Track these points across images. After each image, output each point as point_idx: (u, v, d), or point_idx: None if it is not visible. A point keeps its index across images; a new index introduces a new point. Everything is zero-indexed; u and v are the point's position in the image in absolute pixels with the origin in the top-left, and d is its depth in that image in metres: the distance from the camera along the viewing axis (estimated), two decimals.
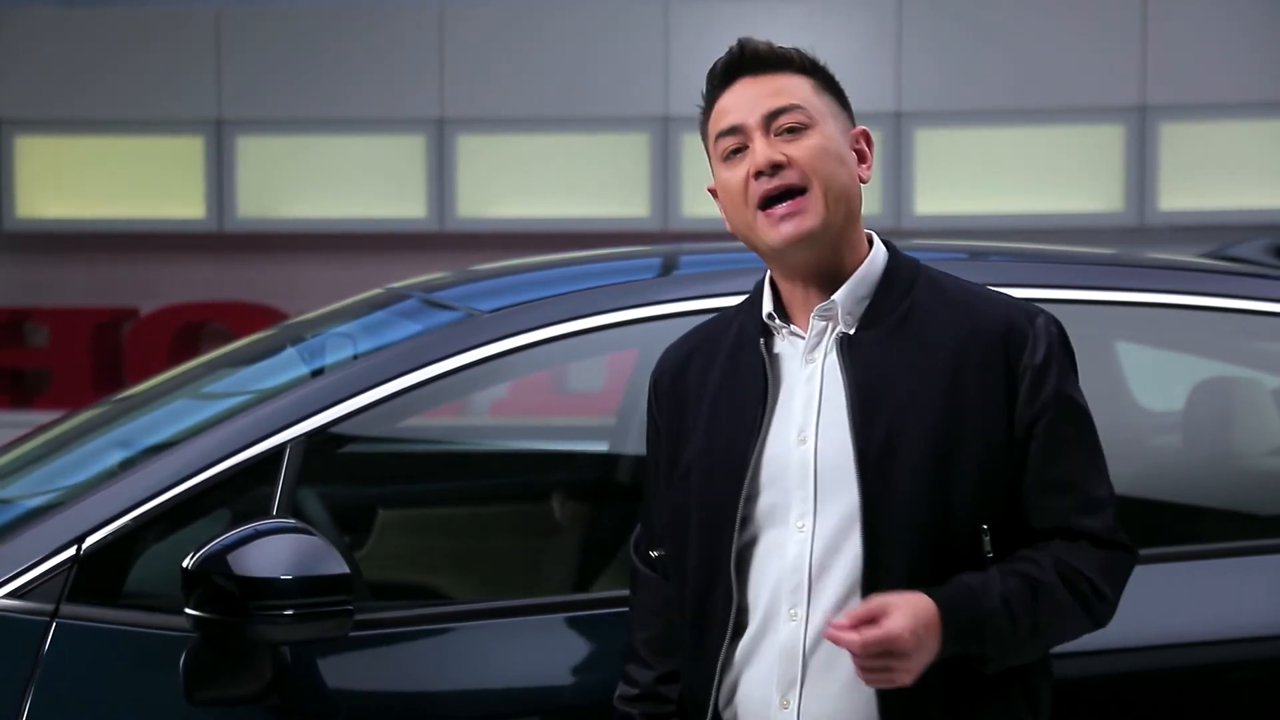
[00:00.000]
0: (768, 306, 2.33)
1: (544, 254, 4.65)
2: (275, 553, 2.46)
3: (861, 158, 2.32)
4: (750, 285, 2.44)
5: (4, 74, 9.30)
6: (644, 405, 2.51)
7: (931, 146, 8.57)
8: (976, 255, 3.55)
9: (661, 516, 2.40)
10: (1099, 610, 2.28)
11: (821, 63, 2.34)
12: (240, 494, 2.76)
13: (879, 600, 2.13)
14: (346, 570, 2.49)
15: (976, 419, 2.24)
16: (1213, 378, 3.60)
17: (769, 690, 2.26)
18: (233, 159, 9.19)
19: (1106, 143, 8.76)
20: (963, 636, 2.16)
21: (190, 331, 9.31)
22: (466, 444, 4.80)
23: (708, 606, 2.29)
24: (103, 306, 9.40)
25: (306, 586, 2.46)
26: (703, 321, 2.47)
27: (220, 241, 9.35)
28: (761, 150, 2.25)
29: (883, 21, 8.58)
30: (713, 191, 2.39)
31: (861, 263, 2.31)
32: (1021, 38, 8.74)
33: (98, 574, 2.67)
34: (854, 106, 2.38)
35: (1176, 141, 8.71)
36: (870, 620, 2.11)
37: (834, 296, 2.28)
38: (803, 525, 2.24)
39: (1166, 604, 2.84)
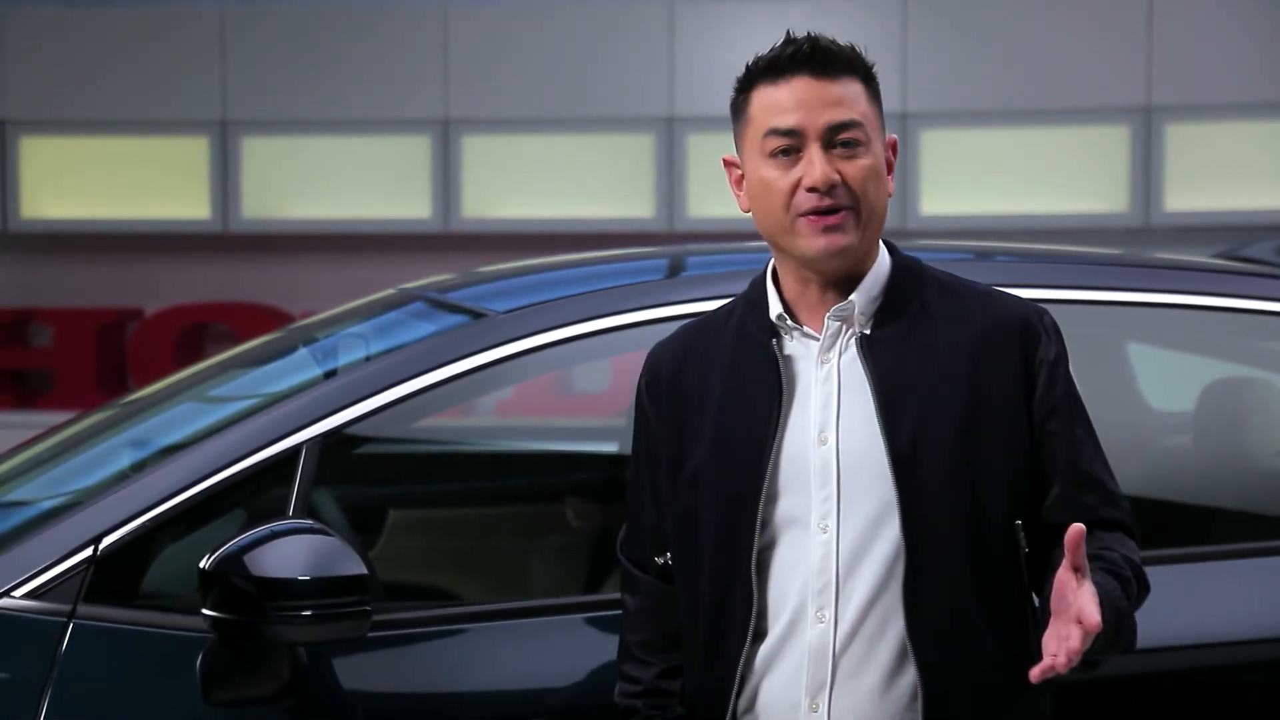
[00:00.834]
0: (777, 308, 2.31)
1: (549, 254, 4.65)
2: (292, 553, 2.47)
3: (889, 168, 2.31)
4: None
5: (8, 74, 9.30)
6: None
7: (936, 147, 8.56)
8: (982, 256, 3.55)
9: (664, 520, 2.37)
10: (1144, 597, 2.28)
11: (873, 66, 2.31)
12: (256, 495, 2.76)
13: (1075, 606, 2.07)
14: (364, 571, 2.49)
15: (998, 413, 2.25)
16: (1223, 378, 3.60)
17: (796, 693, 2.25)
18: (237, 159, 9.19)
19: (1111, 143, 8.75)
20: (1108, 635, 2.12)
21: (194, 332, 9.30)
22: (482, 445, 4.79)
23: (725, 610, 2.27)
24: (107, 307, 9.40)
25: (324, 587, 2.46)
26: (690, 321, 2.45)
27: (225, 242, 9.35)
28: (820, 167, 2.22)
29: (887, 23, 8.58)
30: (730, 164, 2.36)
31: (872, 266, 2.31)
32: (1026, 39, 8.74)
33: (114, 575, 2.67)
34: None
35: (1182, 142, 8.70)
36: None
37: (852, 297, 2.28)
38: (825, 526, 2.23)
39: (1177, 605, 2.83)
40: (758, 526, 2.25)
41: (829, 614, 2.23)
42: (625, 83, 8.97)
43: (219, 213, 9.21)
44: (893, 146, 2.33)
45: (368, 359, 3.05)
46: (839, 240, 2.23)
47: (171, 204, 9.29)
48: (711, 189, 8.92)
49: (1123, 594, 2.18)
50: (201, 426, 2.99)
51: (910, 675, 2.23)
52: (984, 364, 2.25)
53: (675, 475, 2.34)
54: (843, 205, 2.23)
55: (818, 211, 2.22)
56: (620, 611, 2.47)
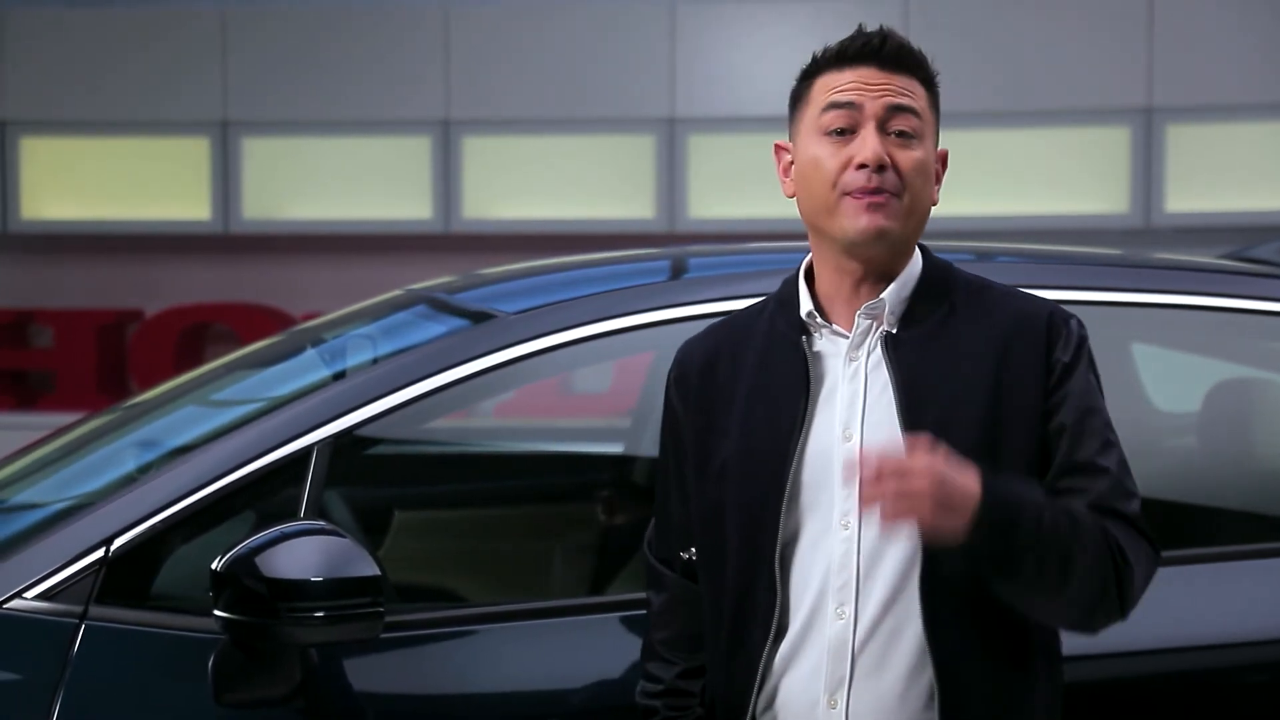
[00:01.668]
0: (807, 305, 2.32)
1: (551, 255, 4.65)
2: (305, 555, 2.47)
3: (937, 178, 2.33)
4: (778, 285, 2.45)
5: (8, 75, 9.28)
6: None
7: None
8: (983, 256, 3.55)
9: (691, 516, 2.39)
10: (1126, 584, 2.23)
11: (937, 75, 2.34)
12: (267, 496, 2.76)
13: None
14: (377, 572, 2.49)
15: (1019, 415, 2.26)
16: (1229, 379, 3.60)
17: (815, 690, 2.26)
18: (238, 160, 9.18)
19: (1112, 144, 8.75)
20: (995, 515, 2.10)
21: (195, 333, 9.30)
22: (496, 446, 4.79)
23: (748, 605, 2.29)
24: (107, 308, 9.39)
25: (337, 589, 2.46)
26: (721, 319, 2.46)
27: (225, 243, 9.34)
28: (873, 145, 2.24)
29: (887, 24, 8.55)
30: (780, 149, 2.38)
31: (906, 266, 2.33)
32: (1027, 41, 8.74)
33: (126, 576, 2.67)
34: None
35: (1183, 143, 8.71)
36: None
37: (883, 295, 2.29)
38: (847, 523, 2.25)
39: (1183, 607, 2.84)
40: (782, 521, 2.26)
41: (849, 610, 2.24)
42: (626, 84, 8.98)
43: (219, 213, 9.21)
44: (943, 159, 2.35)
45: (378, 360, 3.05)
46: (881, 221, 2.24)
47: (172, 205, 9.28)
48: (712, 190, 8.92)
49: (1060, 513, 2.15)
50: (212, 428, 2.99)
51: (928, 673, 2.24)
52: (1006, 364, 2.27)
53: (702, 470, 2.35)
54: (888, 189, 2.25)
55: (864, 191, 2.24)
56: (634, 612, 2.47)
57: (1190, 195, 8.71)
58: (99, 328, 9.27)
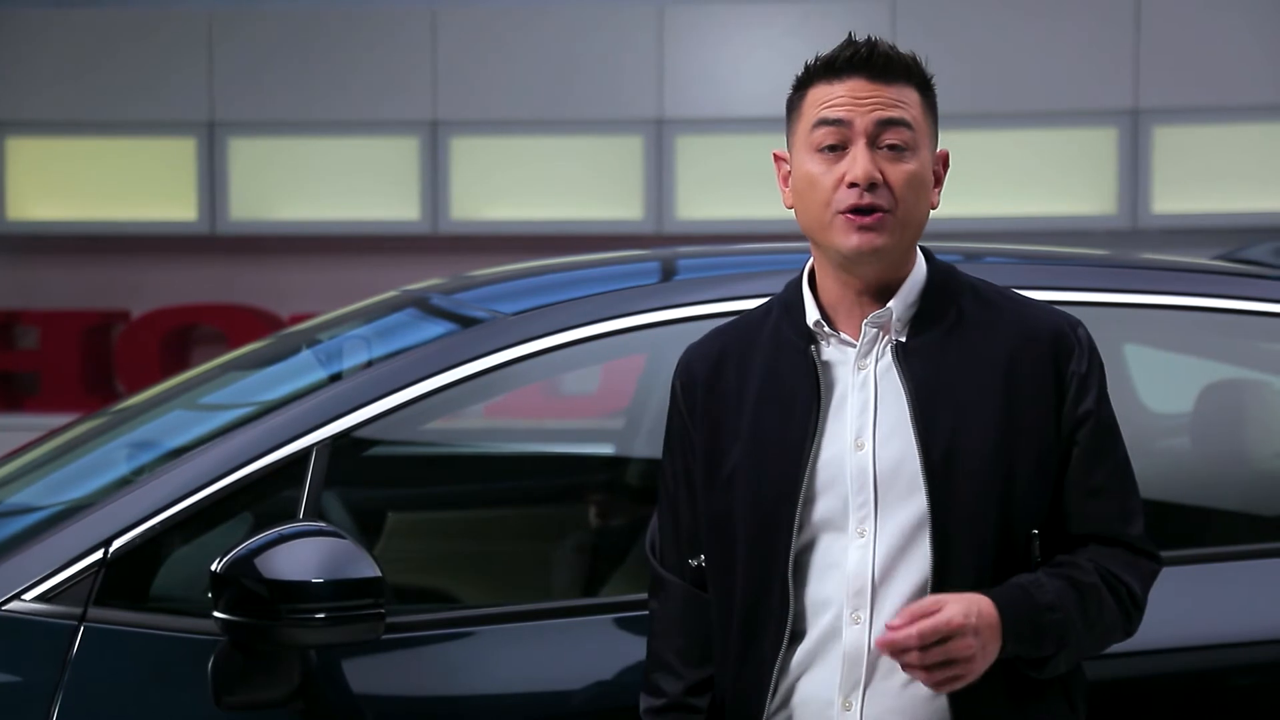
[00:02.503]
0: (814, 314, 2.33)
1: (539, 256, 4.64)
2: (305, 556, 2.46)
3: (937, 180, 2.33)
4: (780, 285, 2.45)
5: None
6: (657, 406, 2.48)
7: None
8: (972, 257, 3.56)
9: (697, 522, 2.39)
10: (1134, 616, 2.32)
11: (931, 77, 2.33)
12: (266, 497, 2.76)
13: (932, 597, 2.15)
14: (378, 573, 2.49)
15: (1030, 424, 2.27)
16: (1222, 380, 3.61)
17: (830, 693, 2.27)
18: (224, 161, 9.16)
19: (1099, 146, 8.78)
20: (1021, 633, 2.18)
21: (181, 334, 9.28)
22: (494, 448, 4.79)
23: (760, 613, 2.29)
24: (93, 309, 9.36)
25: (338, 590, 2.46)
26: (724, 324, 2.46)
27: (212, 244, 9.32)
28: (863, 163, 2.24)
29: (876, 27, 8.56)
30: (779, 158, 2.38)
31: (910, 273, 2.33)
32: (1014, 42, 8.76)
33: (125, 577, 2.67)
34: None
35: (1169, 145, 8.73)
36: (925, 615, 2.12)
37: (890, 304, 2.29)
38: (863, 531, 2.26)
39: (1174, 608, 2.84)
40: (795, 530, 2.27)
41: (864, 616, 2.25)
42: (614, 85, 8.98)
43: (206, 214, 9.19)
44: (944, 160, 2.35)
45: (375, 362, 3.05)
46: (873, 240, 2.24)
47: (158, 205, 9.26)
48: (700, 191, 8.92)
49: (1073, 603, 2.22)
50: (210, 429, 2.98)
51: None
52: (1018, 376, 2.28)
53: (711, 477, 2.35)
54: (880, 207, 2.24)
55: (856, 210, 2.24)
56: (635, 613, 2.47)
57: (1177, 196, 8.73)
58: (84, 329, 9.24)
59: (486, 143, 9.04)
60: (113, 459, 3.19)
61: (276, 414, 2.82)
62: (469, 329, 3.01)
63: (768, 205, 8.51)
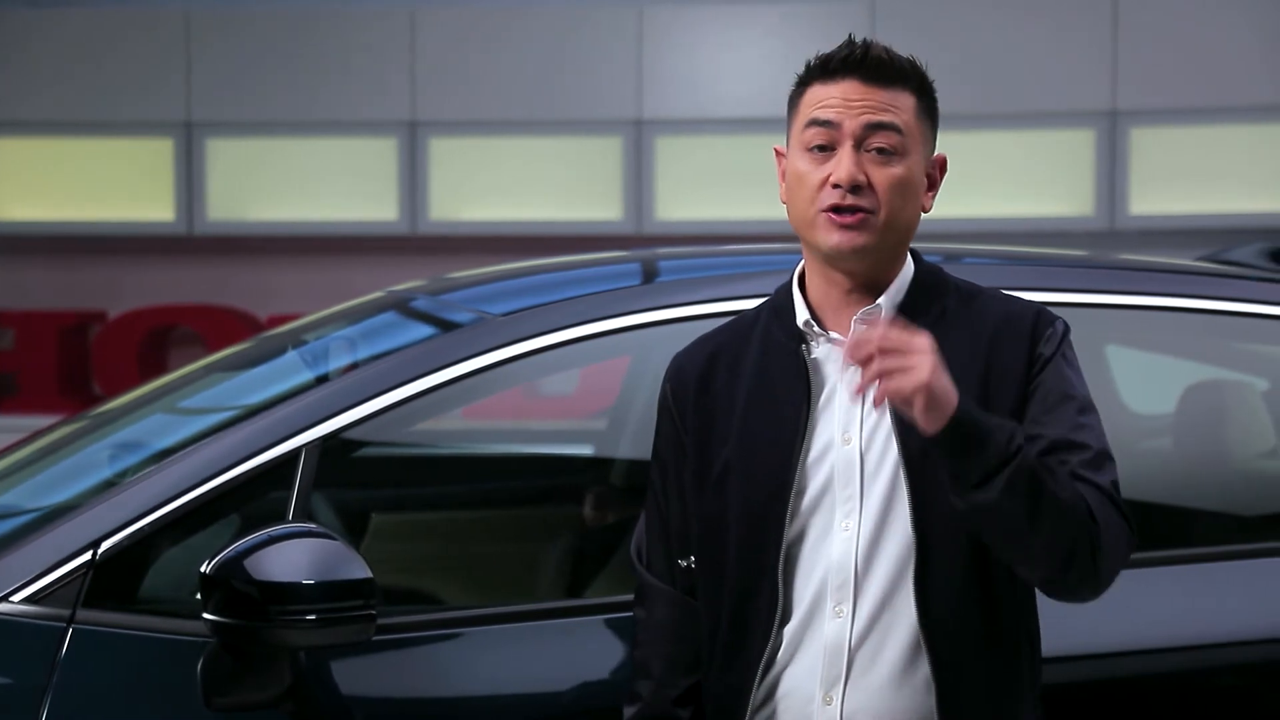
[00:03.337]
0: (803, 314, 2.35)
1: (518, 257, 4.64)
2: (296, 557, 2.45)
3: (931, 184, 2.34)
4: (765, 286, 2.46)
5: None
6: (642, 407, 2.48)
7: None
8: (951, 258, 3.56)
9: (687, 524, 2.40)
10: (1097, 540, 2.19)
11: (930, 80, 2.34)
12: (255, 499, 2.75)
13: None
14: (369, 575, 2.48)
15: (1006, 404, 2.28)
16: (1204, 380, 3.62)
17: (812, 686, 2.28)
18: (202, 161, 9.15)
19: (1077, 147, 8.81)
20: (970, 425, 2.11)
21: (159, 335, 9.25)
22: (486, 448, 4.78)
23: (749, 609, 2.31)
24: (70, 310, 9.34)
25: (328, 591, 2.45)
26: (714, 329, 2.48)
27: (189, 244, 9.30)
28: (847, 166, 2.26)
29: (855, 28, 8.52)
30: (779, 153, 2.39)
31: (898, 273, 2.35)
32: (992, 44, 8.79)
33: (113, 579, 2.65)
34: None
35: (1146, 146, 8.77)
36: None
37: (878, 301, 2.31)
38: (848, 525, 2.28)
39: (1159, 608, 2.85)
40: (786, 526, 2.29)
41: (846, 609, 2.27)
42: (593, 85, 8.98)
43: (184, 215, 9.17)
44: (940, 164, 2.36)
45: (365, 362, 3.04)
46: (853, 239, 2.26)
47: (135, 206, 9.24)
48: (679, 192, 8.93)
49: (1029, 447, 2.16)
50: (198, 430, 2.98)
51: (924, 669, 2.27)
52: (993, 365, 2.30)
53: (702, 479, 2.37)
54: (862, 208, 2.26)
55: (838, 209, 2.26)
56: (626, 614, 2.47)
57: (1154, 198, 8.77)
58: (61, 329, 9.22)
59: (465, 143, 9.04)
60: (101, 461, 3.18)
61: (265, 415, 2.81)
62: (458, 330, 3.01)
63: (747, 206, 8.53)
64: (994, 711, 2.29)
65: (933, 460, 2.22)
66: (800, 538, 2.30)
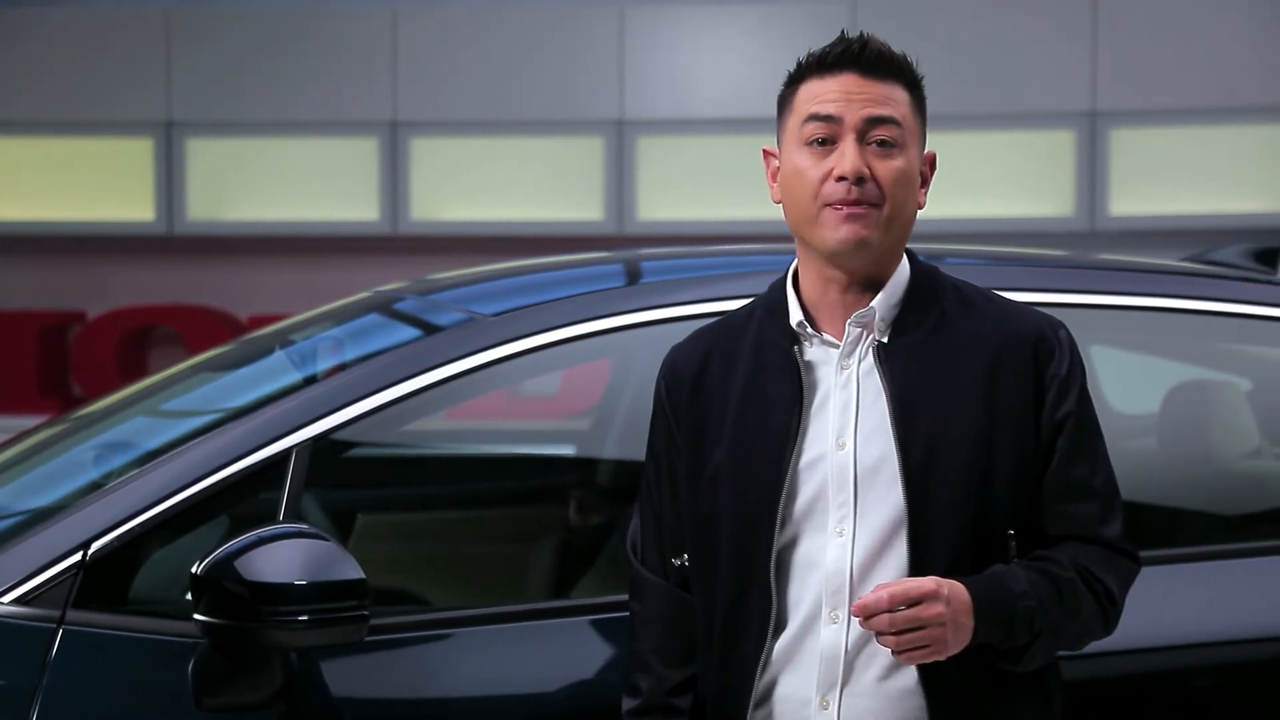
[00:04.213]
0: (797, 314, 2.34)
1: (499, 257, 4.63)
2: (288, 558, 2.45)
3: (924, 181, 2.34)
4: (756, 285, 2.46)
5: None
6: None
7: None
8: (933, 259, 3.56)
9: (680, 522, 2.40)
10: (1111, 614, 2.33)
11: (922, 78, 2.35)
12: (246, 499, 2.74)
13: (905, 579, 2.17)
14: (361, 575, 2.47)
15: (1010, 426, 2.28)
16: (1188, 381, 3.63)
17: (808, 691, 2.28)
18: (182, 161, 9.12)
19: (1057, 148, 8.84)
20: (993, 616, 2.19)
21: (138, 335, 9.23)
22: (472, 448, 4.78)
23: (742, 611, 2.30)
24: (49, 310, 9.31)
25: (321, 592, 2.44)
26: (707, 325, 2.47)
27: (169, 244, 9.28)
28: (851, 157, 2.25)
29: (834, 29, 8.56)
30: (768, 154, 2.39)
31: (893, 273, 2.34)
32: (973, 44, 8.81)
33: (103, 580, 2.64)
34: None
35: (1127, 147, 8.80)
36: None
37: (872, 303, 2.30)
38: (842, 530, 2.27)
39: (1143, 608, 2.84)
40: (777, 529, 2.28)
41: (842, 615, 2.27)
42: (575, 86, 8.98)
43: (164, 215, 9.15)
44: (930, 161, 2.36)
45: (356, 362, 3.03)
46: (860, 231, 2.25)
47: (116, 206, 9.22)
48: (661, 192, 8.94)
49: (1047, 592, 2.23)
50: (188, 431, 2.97)
51: (916, 674, 2.26)
52: (999, 379, 2.29)
53: (695, 478, 2.36)
54: (868, 201, 2.26)
55: (844, 203, 2.25)
56: (617, 614, 2.47)
57: (1134, 198, 8.80)
58: (41, 329, 9.19)
59: (447, 143, 9.03)
60: (90, 462, 3.16)
61: (255, 415, 2.80)
62: (450, 330, 3.00)
63: (729, 206, 8.54)
64: (987, 714, 2.29)
65: (934, 472, 2.24)
66: (793, 542, 2.29)
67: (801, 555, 2.29)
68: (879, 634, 2.14)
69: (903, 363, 2.28)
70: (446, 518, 4.09)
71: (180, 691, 2.56)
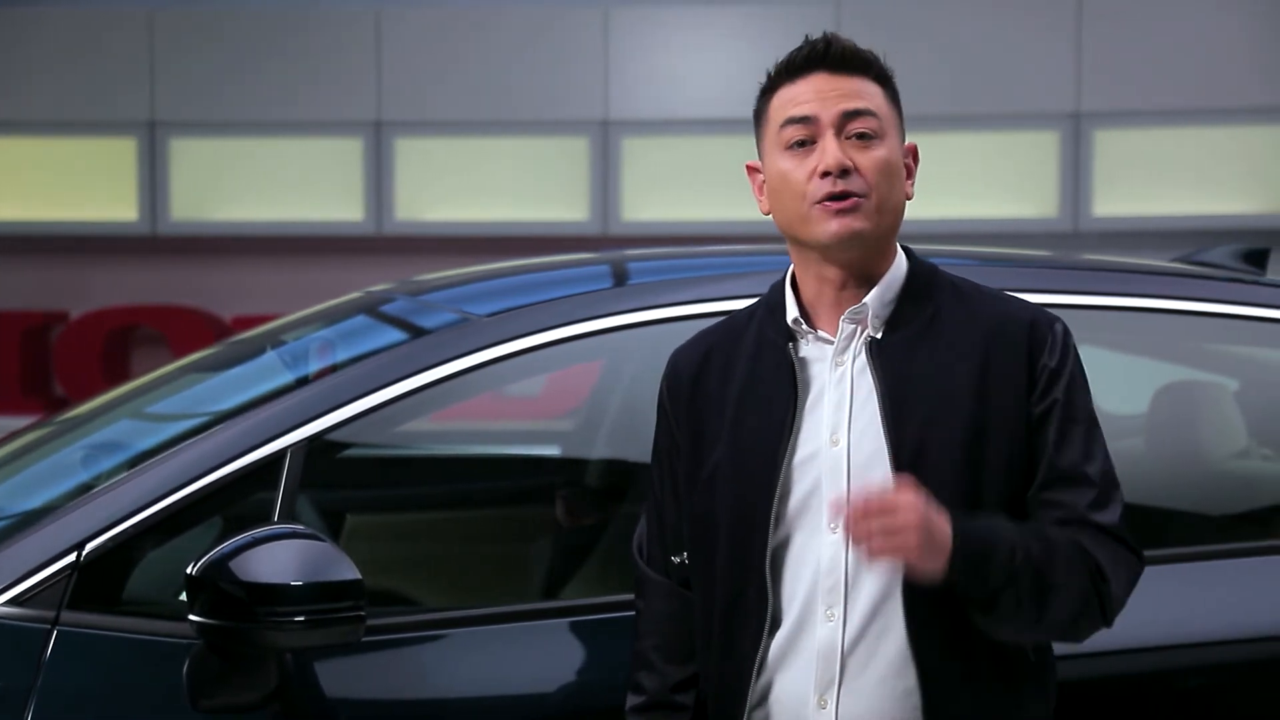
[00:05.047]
0: (793, 312, 2.35)
1: (484, 257, 4.62)
2: (284, 559, 2.44)
3: (908, 173, 2.35)
4: (752, 285, 2.47)
5: None
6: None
7: None
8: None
9: (681, 521, 2.41)
10: (1105, 593, 2.28)
11: (891, 71, 2.36)
12: (240, 500, 2.74)
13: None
14: (358, 576, 2.47)
15: (1002, 419, 2.28)
16: (1176, 381, 3.63)
17: (806, 690, 2.29)
18: (166, 161, 9.10)
19: (1041, 149, 8.86)
20: (968, 547, 2.16)
21: (122, 335, 9.20)
22: (463, 448, 4.77)
23: (739, 609, 2.31)
24: (32, 310, 9.28)
25: (317, 592, 2.44)
26: (709, 326, 2.48)
27: (153, 244, 9.26)
28: (833, 152, 2.27)
29: (819, 30, 8.58)
30: (752, 169, 2.40)
31: (889, 269, 2.35)
32: (957, 45, 8.82)
33: (98, 580, 2.64)
34: None
35: (1110, 148, 8.82)
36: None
37: (865, 299, 2.31)
38: (835, 526, 2.27)
39: (1132, 609, 2.84)
40: (771, 526, 2.29)
41: (838, 613, 2.27)
42: (559, 86, 8.98)
43: (147, 215, 9.13)
44: (912, 152, 2.37)
45: (350, 363, 3.03)
46: (851, 224, 2.27)
47: (99, 206, 9.19)
48: (646, 193, 8.94)
49: (1035, 546, 2.19)
50: (182, 431, 2.96)
51: (914, 674, 2.27)
52: (990, 371, 2.29)
53: (694, 477, 2.37)
54: (855, 192, 2.27)
55: (832, 197, 2.27)
56: (613, 615, 2.47)
57: (1118, 199, 8.82)
58: (23, 330, 9.16)
59: (431, 144, 9.03)
60: (85, 463, 3.16)
61: (249, 416, 2.80)
62: (445, 330, 3.00)
63: (714, 206, 8.54)
64: (984, 716, 2.29)
65: (925, 466, 2.24)
66: (788, 539, 2.30)
67: (796, 552, 2.30)
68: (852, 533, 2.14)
69: (895, 358, 2.29)
70: (447, 518, 4.08)
71: (175, 692, 2.56)
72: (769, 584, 2.29)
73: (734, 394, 2.36)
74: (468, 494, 4.15)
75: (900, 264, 2.36)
